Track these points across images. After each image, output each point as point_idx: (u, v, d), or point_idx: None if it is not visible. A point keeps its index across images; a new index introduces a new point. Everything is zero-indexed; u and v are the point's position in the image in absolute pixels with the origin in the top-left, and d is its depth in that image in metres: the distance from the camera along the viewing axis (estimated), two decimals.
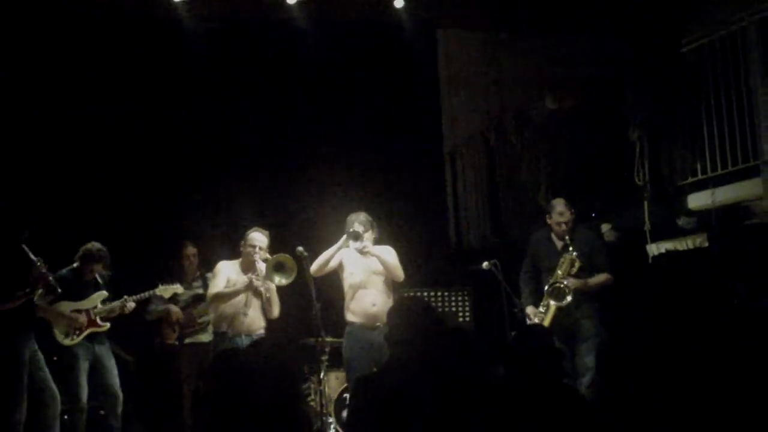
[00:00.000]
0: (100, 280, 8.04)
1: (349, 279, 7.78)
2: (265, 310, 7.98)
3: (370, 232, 7.78)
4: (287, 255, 7.77)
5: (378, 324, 7.51)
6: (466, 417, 4.55)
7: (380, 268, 7.72)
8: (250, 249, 7.87)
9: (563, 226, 7.87)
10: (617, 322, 8.32)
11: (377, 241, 7.90)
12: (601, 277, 7.88)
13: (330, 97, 10.82)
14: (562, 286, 7.68)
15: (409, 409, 4.50)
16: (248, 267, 7.91)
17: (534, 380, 4.76)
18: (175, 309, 8.75)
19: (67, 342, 7.80)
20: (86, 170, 9.77)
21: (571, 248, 7.77)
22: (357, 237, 7.62)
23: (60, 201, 9.36)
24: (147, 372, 8.95)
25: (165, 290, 8.39)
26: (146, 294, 8.25)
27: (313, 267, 7.72)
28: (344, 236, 7.69)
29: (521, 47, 11.49)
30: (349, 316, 7.76)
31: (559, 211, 7.94)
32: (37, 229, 7.30)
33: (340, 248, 7.72)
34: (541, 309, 7.80)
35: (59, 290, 7.37)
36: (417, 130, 11.36)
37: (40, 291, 7.23)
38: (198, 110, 10.28)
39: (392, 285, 7.82)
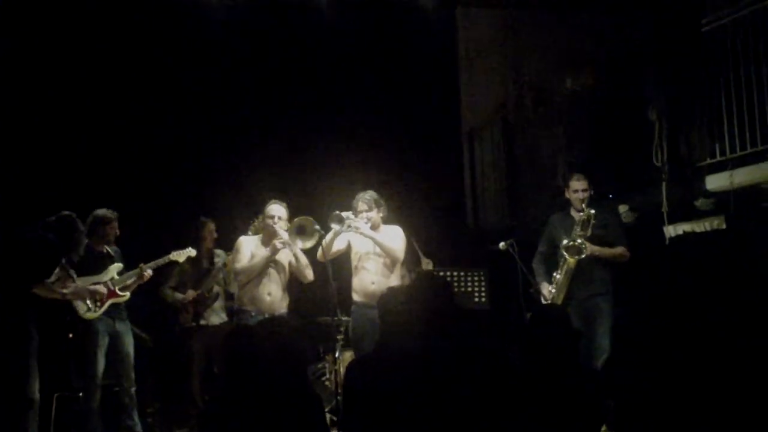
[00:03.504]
0: (112, 254, 8.05)
1: (353, 259, 7.88)
2: (298, 276, 7.97)
3: (375, 210, 7.81)
4: (308, 217, 7.77)
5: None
6: (477, 398, 4.55)
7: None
8: (269, 220, 7.83)
9: (581, 194, 7.87)
10: (634, 303, 8.31)
11: (386, 220, 7.93)
12: (616, 250, 7.90)
13: (348, 74, 10.80)
14: (578, 242, 7.69)
15: (411, 391, 4.50)
16: (269, 240, 7.86)
17: (549, 362, 4.76)
18: (190, 293, 8.76)
19: (89, 315, 7.80)
20: (101, 144, 9.83)
21: (590, 209, 7.75)
22: (340, 220, 7.64)
23: (73, 175, 9.40)
24: (162, 352, 8.98)
25: (179, 255, 8.36)
26: (161, 261, 8.24)
27: (318, 254, 7.75)
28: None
29: (541, 26, 11.44)
30: (354, 296, 7.86)
31: (577, 178, 7.97)
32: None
33: (336, 234, 7.73)
34: (556, 274, 7.87)
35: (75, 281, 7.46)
36: (435, 109, 11.34)
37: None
38: (216, 84, 10.31)
39: (394, 265, 7.84)
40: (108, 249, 8.05)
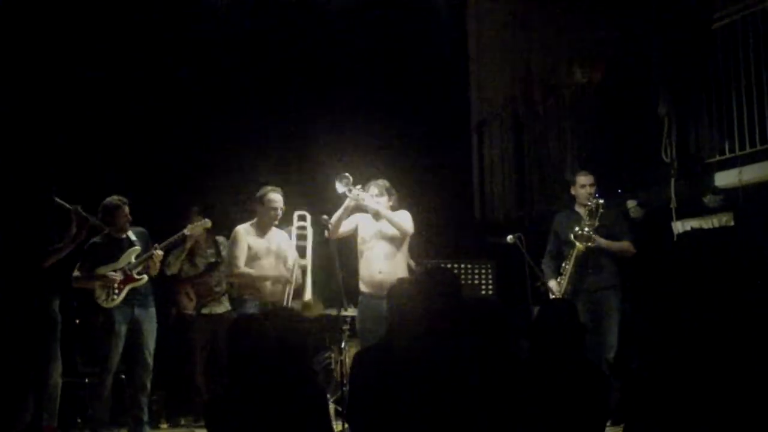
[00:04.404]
0: (133, 237, 7.91)
1: (360, 245, 7.89)
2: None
3: (386, 197, 7.84)
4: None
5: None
6: (483, 391, 4.55)
7: (388, 233, 7.76)
8: (272, 212, 7.87)
9: (588, 189, 7.99)
10: (641, 298, 8.31)
11: (395, 209, 7.92)
12: (623, 243, 8.00)
13: (358, 66, 10.81)
14: (587, 231, 7.76)
15: (417, 382, 4.50)
16: (264, 227, 7.91)
17: (556, 356, 4.76)
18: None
19: (109, 304, 7.69)
20: (103, 135, 9.90)
21: (599, 199, 7.81)
22: (348, 183, 7.62)
23: (78, 169, 9.39)
24: (163, 340, 8.97)
25: (194, 228, 8.26)
26: (174, 238, 8.16)
27: (327, 232, 7.78)
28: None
29: (550, 19, 11.40)
30: (361, 286, 7.84)
31: (584, 173, 8.15)
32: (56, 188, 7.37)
33: (346, 210, 7.71)
34: (565, 264, 7.94)
35: (105, 227, 7.55)
36: (444, 102, 11.35)
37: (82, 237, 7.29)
38: (217, 72, 10.33)
39: (401, 253, 7.84)
40: (128, 234, 7.91)
